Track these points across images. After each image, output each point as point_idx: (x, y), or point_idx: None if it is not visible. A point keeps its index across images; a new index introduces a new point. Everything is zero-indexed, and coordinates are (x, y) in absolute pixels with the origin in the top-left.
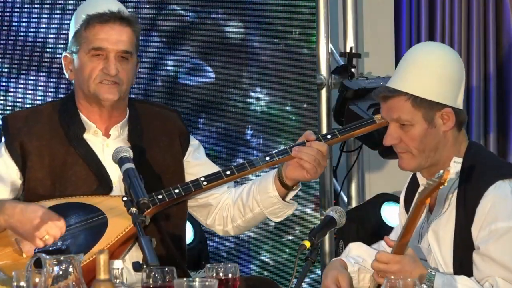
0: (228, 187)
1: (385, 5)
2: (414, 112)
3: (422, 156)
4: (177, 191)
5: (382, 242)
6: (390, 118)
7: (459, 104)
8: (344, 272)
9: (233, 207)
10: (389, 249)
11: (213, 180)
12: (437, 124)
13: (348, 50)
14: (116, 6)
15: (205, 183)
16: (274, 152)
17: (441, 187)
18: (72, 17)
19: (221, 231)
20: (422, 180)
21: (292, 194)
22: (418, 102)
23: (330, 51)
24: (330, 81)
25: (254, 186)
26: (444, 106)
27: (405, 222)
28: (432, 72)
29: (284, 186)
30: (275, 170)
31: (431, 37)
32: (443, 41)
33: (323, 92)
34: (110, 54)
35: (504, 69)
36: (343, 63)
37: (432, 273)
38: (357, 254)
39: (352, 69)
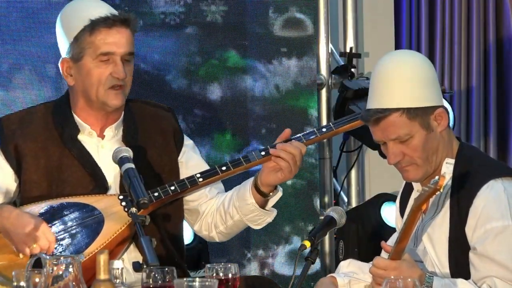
0: (218, 193)
1: (385, 5)
2: (412, 124)
3: (427, 164)
4: (173, 188)
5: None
6: (387, 139)
7: (442, 101)
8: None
9: (215, 213)
10: (386, 255)
11: (209, 176)
12: (433, 127)
13: (348, 50)
14: (105, 7)
15: (200, 179)
16: (269, 146)
17: (436, 193)
18: (58, 20)
19: (207, 236)
20: (416, 185)
21: (272, 201)
22: (412, 113)
23: (330, 51)
24: (330, 81)
25: (235, 193)
26: (434, 108)
27: (401, 228)
28: (413, 79)
29: (261, 193)
30: (253, 177)
31: (431, 37)
32: (443, 41)
33: (323, 92)
34: (117, 57)
35: (504, 69)
36: (343, 63)
37: (430, 277)
38: (348, 270)
39: (352, 69)
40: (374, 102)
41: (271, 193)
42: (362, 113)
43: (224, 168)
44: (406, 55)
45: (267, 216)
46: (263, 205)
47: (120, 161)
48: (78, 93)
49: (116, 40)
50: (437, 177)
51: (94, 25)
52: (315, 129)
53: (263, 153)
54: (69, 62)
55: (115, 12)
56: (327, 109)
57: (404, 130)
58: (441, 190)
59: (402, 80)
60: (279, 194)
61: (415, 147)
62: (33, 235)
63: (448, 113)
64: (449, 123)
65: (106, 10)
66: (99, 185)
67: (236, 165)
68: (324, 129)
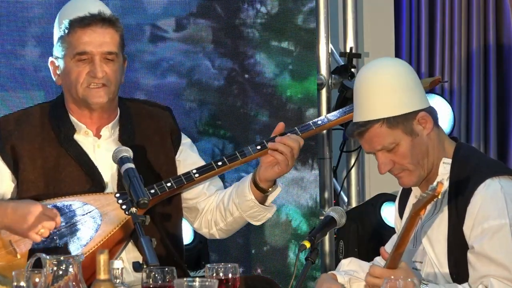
0: (216, 190)
1: (385, 5)
2: (394, 132)
3: (419, 168)
4: (169, 184)
5: (377, 259)
6: (374, 150)
7: (426, 102)
8: (336, 283)
9: (215, 210)
10: (383, 262)
11: (205, 171)
12: (418, 131)
13: (348, 50)
14: (96, 7)
15: (197, 175)
16: (264, 140)
17: (434, 200)
18: (55, 21)
19: (208, 234)
20: (415, 189)
21: (271, 197)
22: (393, 121)
23: (330, 51)
24: (330, 81)
25: (234, 189)
26: (416, 112)
27: (400, 233)
28: (389, 87)
29: (260, 189)
30: (251, 174)
31: (431, 37)
32: (443, 41)
33: (323, 92)
34: (95, 57)
35: (504, 69)
36: (343, 63)
37: (425, 283)
38: (349, 268)
39: (352, 69)
40: (357, 115)
41: (270, 189)
42: (347, 129)
43: (220, 163)
44: (381, 64)
45: (267, 212)
46: (262, 201)
47: (120, 161)
48: (66, 92)
49: (92, 39)
50: (435, 183)
51: (71, 25)
52: (310, 122)
53: (258, 147)
54: (55, 63)
55: (99, 11)
56: (327, 109)
57: (387, 140)
58: (439, 197)
59: (378, 91)
60: (278, 189)
61: (402, 154)
62: (36, 221)
63: (432, 114)
64: (436, 123)
65: (85, 10)
66: (96, 184)
67: (232, 160)
68: (319, 122)
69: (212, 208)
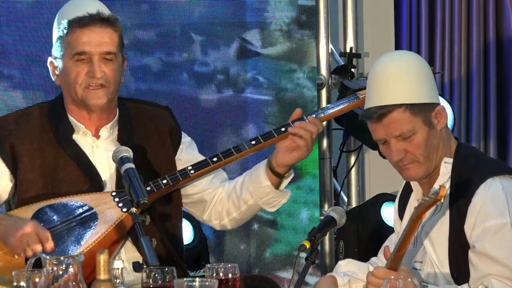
0: (221, 182)
1: (385, 5)
2: (415, 120)
3: (428, 161)
4: (164, 181)
5: (373, 259)
6: (391, 136)
7: (439, 100)
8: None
9: (227, 200)
10: (379, 262)
11: (200, 167)
12: (434, 124)
13: (348, 50)
14: (95, 8)
15: (192, 171)
16: (259, 135)
17: (437, 203)
18: (55, 21)
19: (218, 225)
20: (415, 188)
21: (285, 182)
22: (415, 108)
23: (330, 51)
24: (330, 81)
25: (246, 177)
26: (434, 104)
27: (401, 236)
28: (413, 75)
29: (276, 175)
30: (265, 160)
31: (431, 37)
32: (443, 41)
33: (323, 92)
34: (94, 57)
35: (504, 69)
36: (343, 63)
37: (425, 285)
38: (346, 269)
39: (352, 69)
40: (375, 100)
41: (285, 174)
42: (363, 112)
43: (215, 159)
44: (402, 54)
45: (282, 198)
46: (276, 187)
47: (120, 161)
48: (65, 92)
49: (90, 39)
50: (437, 187)
51: (70, 26)
52: (303, 115)
53: (253, 142)
54: (54, 63)
55: (98, 11)
56: None
57: (407, 126)
58: (442, 201)
59: (402, 77)
60: (292, 175)
61: (417, 144)
62: (24, 239)
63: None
64: (447, 122)
65: (84, 10)
66: (95, 185)
67: (227, 156)
68: (313, 115)
69: (222, 198)
